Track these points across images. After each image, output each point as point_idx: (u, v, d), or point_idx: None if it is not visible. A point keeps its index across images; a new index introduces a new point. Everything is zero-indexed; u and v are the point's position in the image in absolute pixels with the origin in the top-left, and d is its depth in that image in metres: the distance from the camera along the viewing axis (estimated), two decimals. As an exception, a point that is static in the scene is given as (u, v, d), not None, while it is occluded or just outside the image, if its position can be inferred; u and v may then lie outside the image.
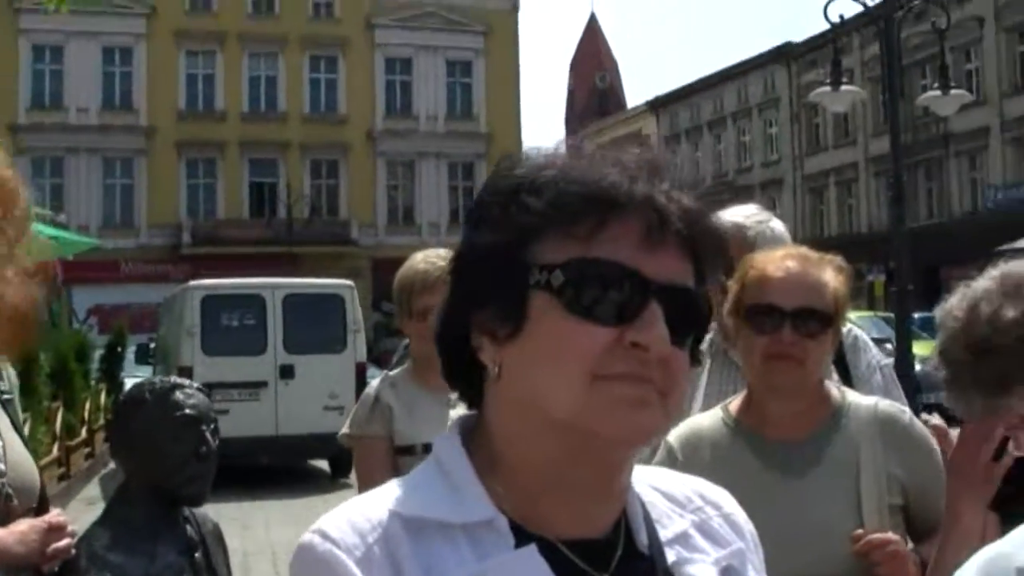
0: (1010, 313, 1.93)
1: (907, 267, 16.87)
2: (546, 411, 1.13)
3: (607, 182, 1.15)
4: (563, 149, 1.23)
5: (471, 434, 1.23)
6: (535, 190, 1.16)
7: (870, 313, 31.10)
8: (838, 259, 2.71)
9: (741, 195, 55.54)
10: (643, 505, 1.25)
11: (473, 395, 1.24)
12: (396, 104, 51.82)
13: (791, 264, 2.62)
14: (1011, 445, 1.98)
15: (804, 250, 2.73)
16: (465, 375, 1.24)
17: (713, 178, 59.01)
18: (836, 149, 51.25)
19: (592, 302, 1.13)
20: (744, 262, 2.72)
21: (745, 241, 3.35)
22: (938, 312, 2.11)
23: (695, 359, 1.20)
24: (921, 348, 18.70)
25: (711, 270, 1.21)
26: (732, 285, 2.68)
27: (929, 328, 23.78)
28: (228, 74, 49.54)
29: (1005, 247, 21.15)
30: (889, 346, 18.79)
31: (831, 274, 2.63)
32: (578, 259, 1.13)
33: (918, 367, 17.21)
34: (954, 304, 2.07)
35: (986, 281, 2.04)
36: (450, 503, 1.16)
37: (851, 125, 48.92)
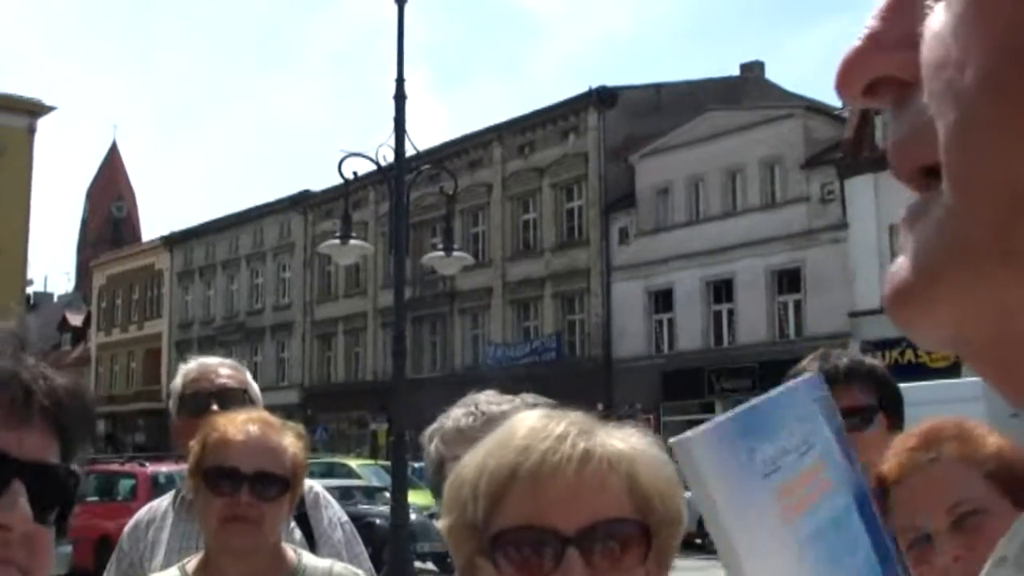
0: None
1: (406, 417, 17.30)
2: None
3: None
4: None
5: None
6: None
7: (372, 461, 31.56)
8: (299, 427, 2.81)
9: (252, 337, 55.42)
10: None
11: None
12: None
13: (252, 428, 2.68)
14: None
15: (266, 415, 2.81)
16: None
17: (224, 319, 58.54)
18: (347, 298, 52.15)
19: None
20: (206, 424, 2.76)
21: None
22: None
23: (62, 532, 1.19)
24: (418, 497, 19.09)
25: (79, 445, 1.20)
26: (194, 446, 2.72)
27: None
28: None
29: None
30: (387, 494, 19.10)
31: (291, 439, 2.72)
32: None
33: (413, 516, 17.61)
34: None
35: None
36: None
37: (362, 276, 50.06)
